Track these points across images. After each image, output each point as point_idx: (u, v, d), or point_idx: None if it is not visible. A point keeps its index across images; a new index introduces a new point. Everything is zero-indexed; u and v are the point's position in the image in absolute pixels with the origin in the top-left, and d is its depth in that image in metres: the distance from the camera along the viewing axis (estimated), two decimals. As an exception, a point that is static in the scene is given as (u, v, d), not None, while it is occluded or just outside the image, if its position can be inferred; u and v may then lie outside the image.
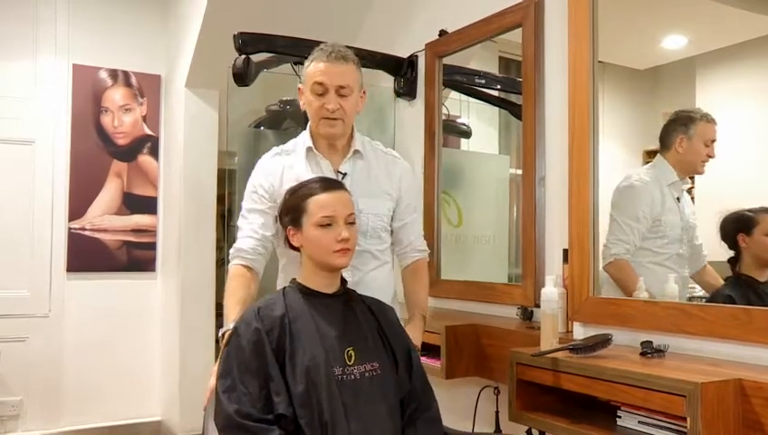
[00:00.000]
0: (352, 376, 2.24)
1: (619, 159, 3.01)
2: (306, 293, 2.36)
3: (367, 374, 2.26)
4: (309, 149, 2.71)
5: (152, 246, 5.85)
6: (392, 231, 2.82)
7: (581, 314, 2.89)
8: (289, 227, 2.42)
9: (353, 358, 2.26)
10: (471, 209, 4.19)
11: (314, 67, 2.62)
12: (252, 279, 2.66)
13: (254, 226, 2.68)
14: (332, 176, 2.65)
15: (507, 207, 4.06)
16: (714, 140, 2.77)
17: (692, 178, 2.87)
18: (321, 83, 2.59)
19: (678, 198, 2.89)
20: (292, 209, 2.40)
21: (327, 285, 2.39)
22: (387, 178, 2.78)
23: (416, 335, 2.68)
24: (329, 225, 2.34)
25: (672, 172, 2.88)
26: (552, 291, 2.75)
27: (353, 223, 2.41)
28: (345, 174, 2.69)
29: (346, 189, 2.46)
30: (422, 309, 2.81)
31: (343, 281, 2.47)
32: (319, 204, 2.35)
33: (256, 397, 2.16)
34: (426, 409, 2.35)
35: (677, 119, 2.88)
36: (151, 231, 5.84)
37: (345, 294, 2.43)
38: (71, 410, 5.55)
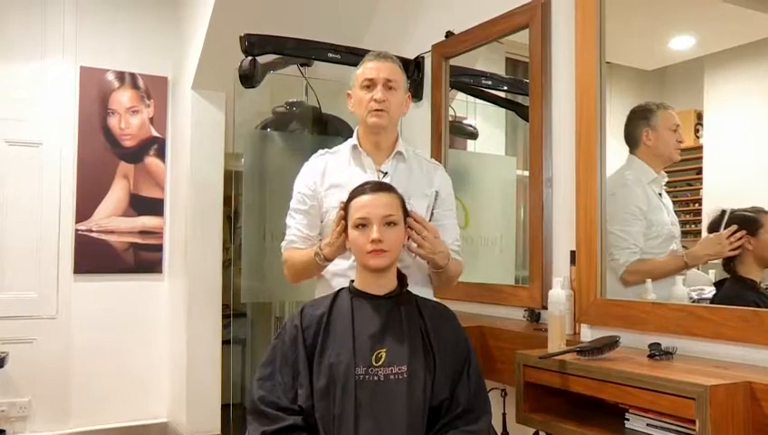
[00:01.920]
0: (375, 377, 2.25)
1: (625, 160, 2.99)
2: (355, 293, 2.41)
3: (392, 377, 2.26)
4: (354, 146, 2.79)
5: (159, 248, 5.84)
6: None
7: (589, 316, 2.88)
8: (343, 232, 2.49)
9: (383, 359, 2.27)
10: (478, 211, 4.17)
11: (363, 67, 2.75)
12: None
13: (299, 226, 2.77)
14: (374, 173, 2.73)
15: (514, 209, 4.07)
16: (678, 125, 2.79)
17: (699, 174, 2.84)
18: (370, 79, 2.70)
19: (660, 194, 2.88)
20: (345, 212, 2.46)
21: (375, 286, 2.40)
22: (426, 181, 2.82)
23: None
24: (364, 226, 2.36)
25: (648, 169, 2.89)
26: (559, 293, 2.75)
27: (394, 224, 2.40)
28: (386, 173, 2.75)
29: (392, 191, 2.46)
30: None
31: (403, 282, 2.46)
32: (356, 205, 2.40)
33: (289, 387, 2.29)
34: (471, 421, 2.31)
35: (636, 114, 2.92)
36: (158, 233, 5.83)
37: (398, 296, 2.42)
38: (78, 412, 5.54)
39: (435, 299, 2.58)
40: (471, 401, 2.33)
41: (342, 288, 2.47)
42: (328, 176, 2.75)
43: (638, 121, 2.90)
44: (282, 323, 2.55)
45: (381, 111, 2.69)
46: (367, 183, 2.48)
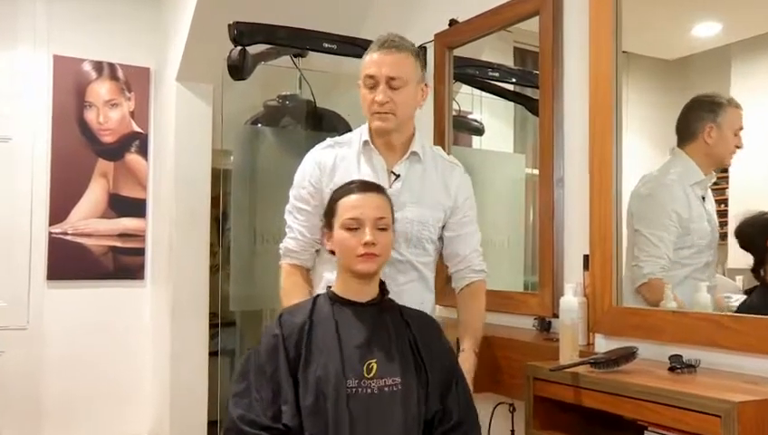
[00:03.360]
0: (369, 389, 2.25)
1: (644, 157, 2.98)
2: (336, 300, 2.39)
3: (386, 389, 2.27)
4: (365, 142, 2.75)
5: (141, 252, 5.85)
6: (443, 243, 2.83)
7: (604, 326, 2.87)
8: (325, 231, 2.46)
9: (374, 371, 2.27)
10: (484, 212, 4.04)
11: (367, 59, 2.68)
12: (306, 278, 2.78)
13: (302, 228, 2.76)
14: (385, 176, 2.71)
15: (523, 210, 4.07)
16: (741, 129, 2.70)
17: (725, 172, 2.81)
18: (371, 76, 2.65)
19: (703, 197, 2.83)
20: (328, 212, 2.45)
21: (359, 293, 2.40)
22: (442, 187, 2.79)
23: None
24: (356, 228, 2.36)
25: (696, 168, 2.82)
26: (571, 300, 2.74)
27: (385, 229, 2.40)
28: (398, 176, 2.73)
29: (384, 193, 2.46)
30: (475, 342, 2.79)
31: (383, 290, 2.47)
32: (347, 205, 2.38)
33: (268, 404, 2.23)
34: (464, 433, 2.37)
35: (700, 105, 2.80)
36: (140, 236, 5.83)
37: (381, 304, 2.43)
38: (51, 429, 5.53)
39: (417, 309, 2.57)
40: (462, 413, 2.38)
41: (320, 294, 2.45)
42: (338, 172, 2.69)
43: (701, 113, 2.80)
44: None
45: (386, 114, 2.65)
46: (352, 182, 2.48)
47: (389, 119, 2.65)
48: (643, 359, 2.58)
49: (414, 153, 2.76)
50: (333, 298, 2.39)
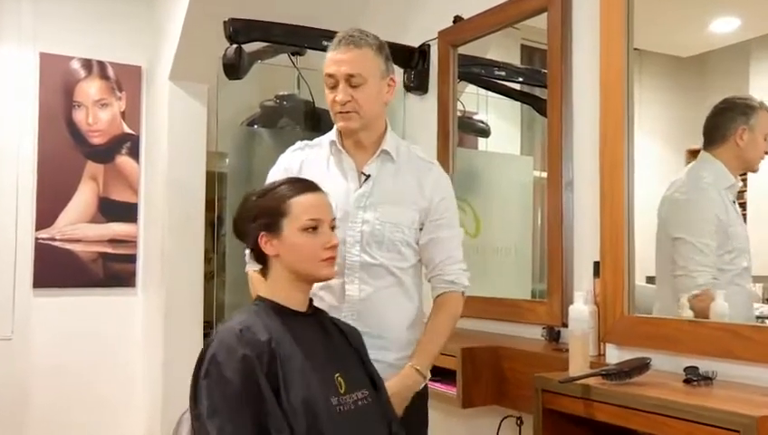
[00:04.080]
0: (347, 406, 2.20)
1: (658, 159, 2.99)
2: (280, 312, 2.27)
3: (360, 403, 2.24)
4: (332, 143, 2.73)
5: (132, 259, 5.84)
6: (420, 248, 2.76)
7: (616, 335, 2.86)
8: (262, 234, 2.29)
9: (343, 386, 2.23)
10: (490, 217, 4.19)
11: (327, 58, 2.64)
12: None
13: None
14: (355, 177, 2.69)
15: (531, 215, 4.07)
16: None
17: (742, 175, 2.81)
18: (331, 75, 2.62)
19: (734, 202, 2.83)
20: (266, 212, 2.29)
21: (302, 303, 2.33)
22: (416, 186, 2.73)
23: (393, 391, 2.47)
24: (315, 229, 2.28)
25: (727, 172, 2.81)
26: (581, 309, 2.73)
27: (334, 229, 2.37)
28: (368, 176, 2.69)
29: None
30: (422, 359, 2.64)
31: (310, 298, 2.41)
32: (304, 205, 2.29)
33: None
34: None
35: (733, 107, 2.79)
36: (131, 241, 5.83)
37: (316, 314, 2.39)
38: (38, 444, 5.52)
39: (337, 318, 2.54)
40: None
41: (254, 305, 2.30)
42: (305, 173, 2.63)
43: (733, 115, 2.78)
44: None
45: (348, 112, 2.62)
46: (290, 180, 2.40)
47: (353, 118, 2.62)
48: (657, 370, 2.58)
49: (384, 151, 2.72)
50: (276, 308, 2.27)
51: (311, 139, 2.83)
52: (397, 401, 2.46)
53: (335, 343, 2.33)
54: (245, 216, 2.33)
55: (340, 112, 2.62)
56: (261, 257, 2.33)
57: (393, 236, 2.66)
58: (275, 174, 2.72)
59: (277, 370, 2.09)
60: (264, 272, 2.34)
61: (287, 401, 2.08)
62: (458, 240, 2.79)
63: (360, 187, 2.68)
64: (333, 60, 2.61)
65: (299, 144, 2.82)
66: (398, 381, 2.54)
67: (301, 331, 2.24)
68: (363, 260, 2.62)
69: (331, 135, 2.75)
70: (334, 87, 2.61)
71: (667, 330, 2.68)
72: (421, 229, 2.73)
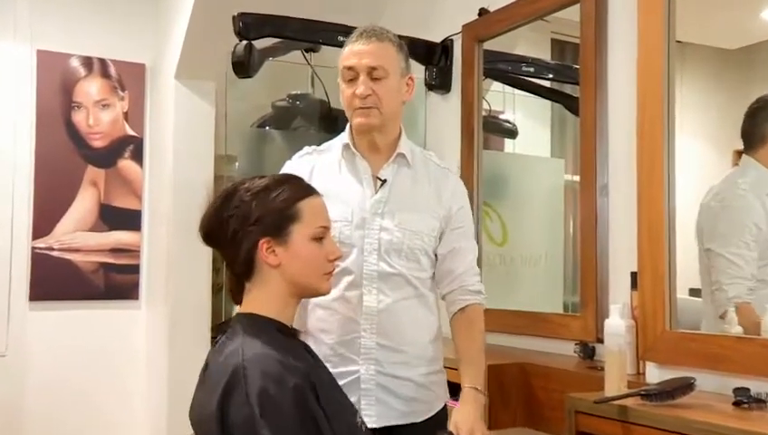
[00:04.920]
0: (365, 426, 2.24)
1: (701, 161, 2.96)
2: (283, 331, 2.20)
3: (365, 425, 2.26)
4: (346, 146, 2.72)
5: (135, 269, 5.85)
6: (437, 260, 2.76)
7: (656, 352, 2.83)
8: (265, 239, 2.17)
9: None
10: (518, 224, 4.20)
11: (345, 51, 2.66)
12: None
13: None
14: (370, 181, 2.67)
15: (562, 222, 4.07)
16: None
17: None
18: (350, 67, 2.63)
19: None
20: (271, 215, 2.19)
21: (291, 320, 2.26)
22: (434, 193, 2.75)
23: (467, 419, 2.50)
24: (322, 238, 2.24)
25: None
26: (618, 323, 2.71)
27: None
28: (385, 181, 2.68)
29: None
30: (476, 377, 2.66)
31: None
32: (315, 210, 2.23)
33: None
34: None
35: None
36: (134, 251, 5.84)
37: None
38: (35, 466, 5.52)
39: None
40: None
41: (250, 321, 2.18)
42: (315, 179, 2.59)
43: None
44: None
45: (369, 108, 2.62)
46: (293, 178, 2.34)
47: (373, 114, 2.62)
48: (703, 391, 2.54)
49: (401, 155, 2.73)
50: (278, 328, 2.19)
51: (325, 141, 2.82)
52: (479, 428, 2.49)
53: (322, 364, 2.32)
54: (237, 215, 2.18)
55: (360, 108, 2.61)
56: (247, 266, 2.20)
57: (413, 244, 2.66)
58: None
59: (319, 397, 2.06)
60: (243, 283, 2.23)
61: (335, 430, 2.06)
62: (476, 252, 2.83)
63: (376, 192, 2.67)
64: (354, 52, 2.62)
65: (307, 149, 2.81)
66: (472, 410, 2.54)
67: (303, 353, 2.22)
68: (381, 269, 2.61)
69: (344, 137, 2.75)
70: (352, 80, 2.62)
71: (713, 347, 2.64)
72: (439, 238, 2.73)
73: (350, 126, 2.72)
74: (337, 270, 2.43)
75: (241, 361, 2.00)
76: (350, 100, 2.63)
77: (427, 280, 2.73)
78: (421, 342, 2.67)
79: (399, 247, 2.64)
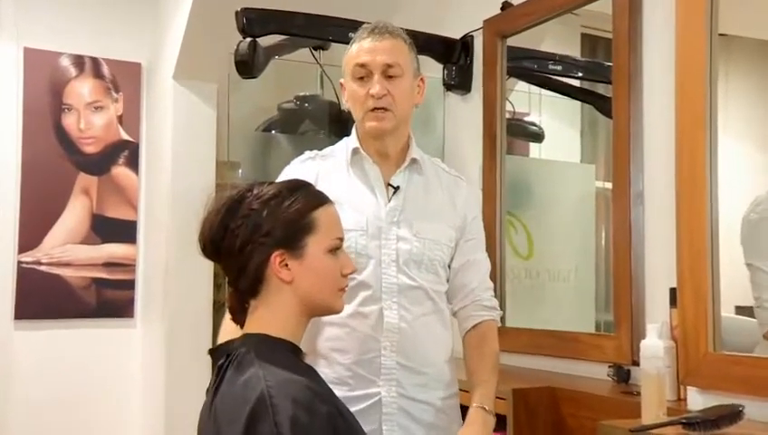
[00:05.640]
0: None
1: (749, 165, 2.94)
2: (295, 353, 2.17)
3: None
4: (355, 150, 2.71)
5: (130, 285, 5.85)
6: (450, 272, 2.77)
7: (698, 377, 2.79)
8: (278, 253, 2.14)
9: None
10: (545, 236, 4.21)
11: (355, 48, 2.65)
12: None
13: None
14: (382, 188, 2.67)
15: (593, 233, 4.05)
16: None
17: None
18: (362, 64, 2.62)
19: None
20: (285, 225, 2.14)
21: (300, 341, 2.21)
22: (449, 201, 2.76)
23: None
24: (337, 250, 2.21)
25: None
26: (655, 344, 2.72)
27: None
28: (398, 188, 2.68)
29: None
30: (486, 396, 2.62)
31: None
32: (331, 219, 2.21)
33: None
34: None
35: None
36: (129, 265, 5.84)
37: None
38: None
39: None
40: None
41: (262, 342, 2.13)
42: (320, 189, 2.48)
43: None
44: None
45: (383, 109, 2.61)
46: (306, 184, 2.29)
47: (387, 117, 2.62)
48: (752, 420, 2.51)
49: (414, 160, 2.73)
50: (291, 350, 2.15)
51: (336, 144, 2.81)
52: None
53: None
54: (245, 225, 2.13)
55: (374, 109, 2.60)
56: (255, 282, 2.15)
57: (433, 254, 2.67)
58: None
59: (345, 425, 2.05)
60: (247, 300, 2.18)
61: None
62: (488, 264, 2.84)
63: (390, 200, 2.67)
64: (367, 48, 2.62)
65: (308, 154, 2.80)
66: (478, 431, 2.52)
67: (318, 376, 2.19)
68: (401, 282, 2.60)
69: (350, 141, 2.74)
70: (364, 79, 2.61)
71: (763, 371, 2.60)
72: (453, 247, 2.75)
73: (357, 129, 2.73)
74: (352, 283, 2.42)
75: (265, 387, 1.94)
76: (363, 100, 2.62)
77: (444, 294, 2.74)
78: (439, 362, 2.67)
79: (419, 258, 2.64)
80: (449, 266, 2.74)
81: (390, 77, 2.60)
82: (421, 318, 2.63)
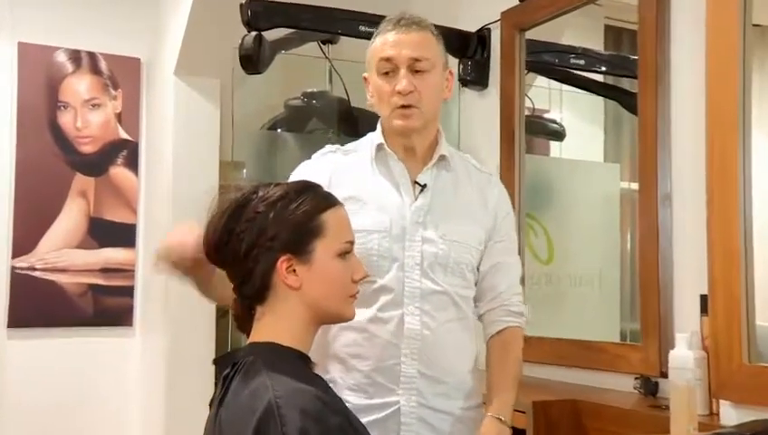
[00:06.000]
0: None
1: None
2: (305, 362, 2.16)
3: None
4: (379, 146, 2.68)
5: (129, 292, 5.85)
6: (479, 274, 2.75)
7: (731, 389, 2.77)
8: (285, 257, 2.13)
9: None
10: (566, 239, 4.22)
11: (378, 42, 2.62)
12: None
13: None
14: (408, 186, 2.64)
15: (618, 236, 4.04)
16: None
17: None
18: (388, 58, 2.58)
19: None
20: (292, 228, 2.13)
21: (309, 351, 2.19)
22: (479, 200, 2.74)
23: None
24: (347, 254, 2.19)
25: None
26: (685, 355, 2.74)
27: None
28: (425, 186, 2.64)
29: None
30: (503, 406, 2.62)
31: None
32: (341, 222, 2.19)
33: None
34: None
35: None
36: (128, 271, 5.84)
37: None
38: None
39: None
40: None
41: (289, 356, 2.13)
42: (338, 183, 2.57)
43: None
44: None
45: (410, 107, 2.57)
46: (314, 185, 2.26)
47: (414, 115, 2.58)
48: (789, 436, 2.50)
49: (443, 157, 2.70)
50: (301, 358, 2.15)
51: (346, 143, 2.78)
52: None
53: None
54: (251, 229, 2.12)
55: (401, 106, 2.57)
56: (261, 288, 2.13)
57: (460, 257, 2.64)
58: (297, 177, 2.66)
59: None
60: (254, 307, 2.17)
61: None
62: (520, 268, 2.83)
63: (416, 199, 2.63)
64: (393, 41, 2.58)
65: (329, 147, 2.77)
66: None
67: (328, 386, 2.17)
68: (425, 286, 2.57)
69: (375, 137, 2.71)
70: (391, 74, 2.58)
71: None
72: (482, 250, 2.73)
73: (382, 125, 2.70)
74: (374, 287, 2.45)
75: (273, 397, 1.92)
76: (388, 96, 2.58)
77: (470, 299, 2.72)
78: (462, 371, 2.65)
79: (445, 262, 2.61)
80: (478, 269, 2.72)
81: (417, 72, 2.57)
82: (445, 325, 2.61)
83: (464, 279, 2.65)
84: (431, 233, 2.57)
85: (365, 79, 2.69)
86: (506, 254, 2.75)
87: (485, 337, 2.76)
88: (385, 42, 2.59)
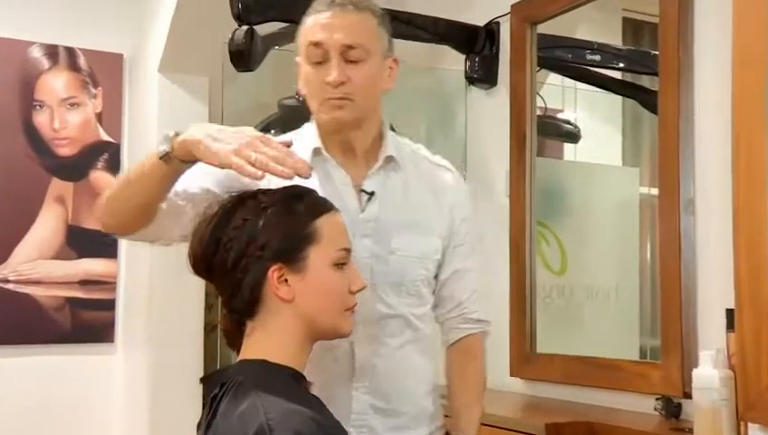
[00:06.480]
0: None
1: None
2: (300, 381, 2.13)
3: None
4: (316, 150, 2.52)
5: (110, 305, 5.83)
6: (436, 284, 2.67)
7: (760, 412, 2.75)
8: (276, 267, 2.11)
9: None
10: (581, 249, 4.23)
11: (311, 21, 2.44)
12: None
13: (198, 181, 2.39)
14: (352, 195, 2.50)
15: (637, 245, 4.03)
16: None
17: None
18: (317, 43, 2.39)
19: None
20: (282, 236, 2.10)
21: (304, 368, 2.17)
22: (433, 201, 2.62)
23: None
24: (343, 264, 2.16)
25: None
26: (710, 374, 2.73)
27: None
28: (372, 194, 2.52)
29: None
30: (471, 423, 2.60)
31: None
32: (336, 228, 2.15)
33: None
34: None
35: None
36: (109, 283, 5.82)
37: None
38: None
39: None
40: None
41: (282, 375, 2.11)
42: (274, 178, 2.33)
43: None
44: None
45: (342, 99, 2.41)
46: (308, 190, 2.21)
47: (346, 106, 2.41)
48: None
49: (389, 159, 2.55)
50: (295, 377, 2.12)
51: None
52: None
53: None
54: (239, 238, 2.09)
55: (332, 98, 2.41)
56: (251, 301, 2.11)
57: (416, 273, 2.54)
58: (209, 176, 2.42)
59: None
60: (244, 322, 2.15)
61: None
62: (478, 269, 2.73)
63: (363, 210, 2.51)
64: (323, 24, 2.39)
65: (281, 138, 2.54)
66: None
67: (324, 407, 2.13)
68: (377, 310, 2.47)
69: (310, 138, 2.54)
70: (320, 62, 2.41)
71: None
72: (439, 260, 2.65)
73: (316, 122, 2.54)
74: None
75: (265, 420, 1.89)
76: (317, 88, 2.42)
77: (426, 316, 2.63)
78: (418, 397, 2.57)
79: (399, 280, 2.51)
80: (436, 277, 2.64)
81: (351, 61, 2.40)
82: (399, 351, 2.54)
83: (419, 297, 2.56)
84: (382, 248, 2.47)
85: (297, 64, 2.50)
86: (466, 258, 2.66)
87: (443, 344, 2.72)
88: (316, 22, 2.40)
